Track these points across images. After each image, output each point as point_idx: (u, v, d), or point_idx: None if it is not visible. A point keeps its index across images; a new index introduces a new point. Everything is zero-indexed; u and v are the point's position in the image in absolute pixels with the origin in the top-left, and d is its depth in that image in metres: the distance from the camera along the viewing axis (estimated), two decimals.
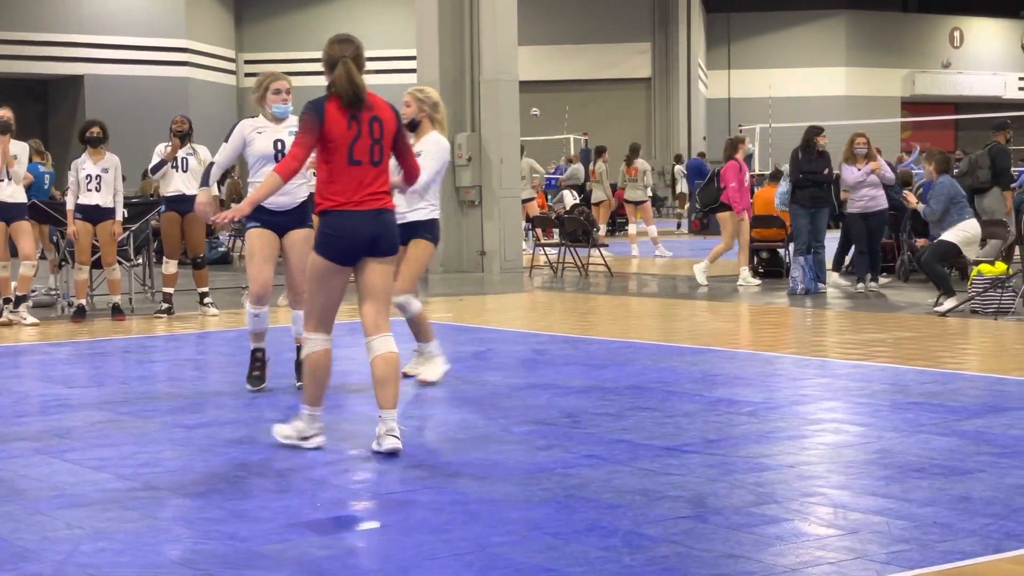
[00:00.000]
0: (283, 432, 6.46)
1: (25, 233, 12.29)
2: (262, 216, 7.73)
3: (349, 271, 6.23)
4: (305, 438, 6.35)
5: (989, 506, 4.97)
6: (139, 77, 34.06)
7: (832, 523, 4.80)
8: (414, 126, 8.20)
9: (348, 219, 6.10)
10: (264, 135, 7.96)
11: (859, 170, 14.25)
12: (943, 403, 7.31)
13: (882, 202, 14.33)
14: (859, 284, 14.39)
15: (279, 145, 7.88)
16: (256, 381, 8.18)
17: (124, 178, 13.12)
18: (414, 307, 8.29)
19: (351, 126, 6.08)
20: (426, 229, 8.19)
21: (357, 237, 6.11)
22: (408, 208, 8.03)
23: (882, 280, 14.86)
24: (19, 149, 12.34)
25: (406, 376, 8.17)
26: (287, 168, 6.16)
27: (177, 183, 12.66)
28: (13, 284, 12.35)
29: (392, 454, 6.08)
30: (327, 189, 6.12)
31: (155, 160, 12.68)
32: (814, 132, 14.87)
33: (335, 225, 6.10)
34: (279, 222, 7.87)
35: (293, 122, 7.77)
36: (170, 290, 12.90)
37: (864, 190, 14.27)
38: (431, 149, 8.14)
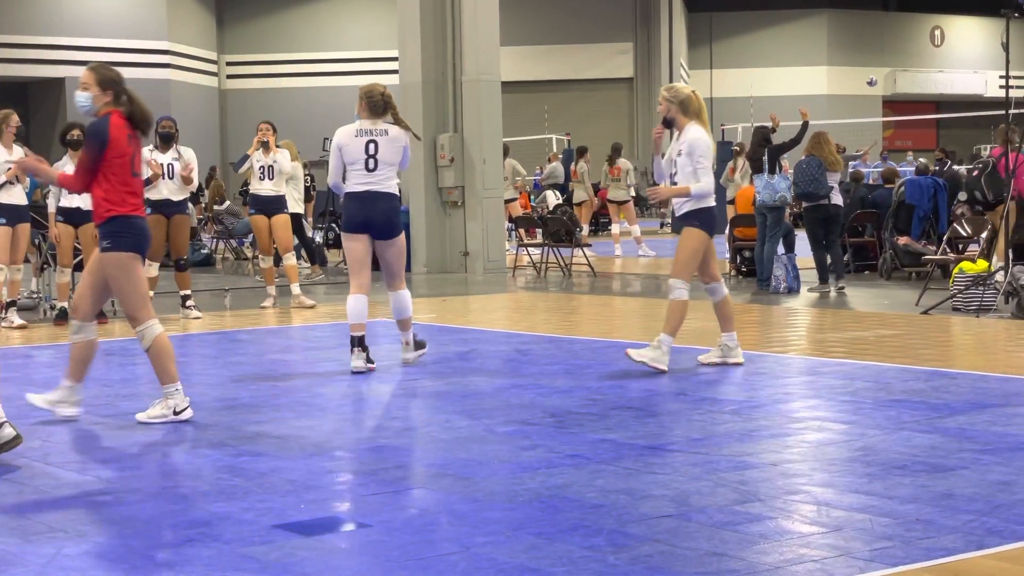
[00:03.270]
0: (149, 412, 7.19)
1: (25, 236, 12.27)
2: None
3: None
4: (178, 413, 7.10)
5: (971, 503, 4.98)
6: None
7: (815, 521, 4.82)
8: (669, 124, 8.77)
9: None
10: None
11: None
12: (925, 400, 7.33)
13: (813, 200, 14.15)
14: (822, 284, 14.22)
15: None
16: None
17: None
18: (677, 294, 8.68)
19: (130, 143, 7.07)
20: (694, 217, 8.72)
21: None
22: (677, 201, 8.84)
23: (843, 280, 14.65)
24: (21, 154, 12.23)
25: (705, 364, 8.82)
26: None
27: (163, 190, 12.61)
28: (4, 290, 12.31)
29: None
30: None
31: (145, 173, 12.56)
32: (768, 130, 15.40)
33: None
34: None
35: None
36: (151, 293, 12.85)
37: None
38: (689, 148, 8.58)
